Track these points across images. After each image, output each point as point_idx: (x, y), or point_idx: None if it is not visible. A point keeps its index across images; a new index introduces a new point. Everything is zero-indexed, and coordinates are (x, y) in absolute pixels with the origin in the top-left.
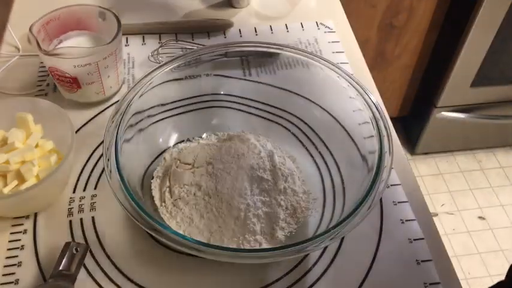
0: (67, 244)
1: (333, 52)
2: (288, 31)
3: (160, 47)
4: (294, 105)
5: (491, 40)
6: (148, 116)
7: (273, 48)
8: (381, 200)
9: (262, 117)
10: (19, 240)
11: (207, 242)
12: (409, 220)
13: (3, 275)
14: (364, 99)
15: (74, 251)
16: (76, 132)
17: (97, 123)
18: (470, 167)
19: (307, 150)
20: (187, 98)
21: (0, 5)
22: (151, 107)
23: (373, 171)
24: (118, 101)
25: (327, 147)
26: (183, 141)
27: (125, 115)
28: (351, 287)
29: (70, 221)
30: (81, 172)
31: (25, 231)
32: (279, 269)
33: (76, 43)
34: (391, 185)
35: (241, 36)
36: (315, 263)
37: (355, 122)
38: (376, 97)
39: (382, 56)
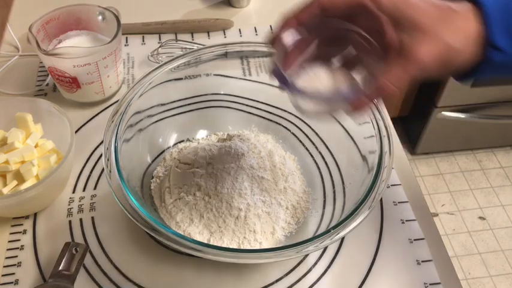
0: (67, 244)
1: None
2: None
3: (160, 46)
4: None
5: None
6: (148, 116)
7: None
8: (381, 200)
9: (262, 117)
10: (19, 240)
11: (207, 242)
12: (409, 220)
13: (3, 275)
14: None
15: (74, 251)
16: (76, 132)
17: (97, 123)
18: (471, 167)
19: (307, 150)
20: (187, 98)
21: (0, 5)
22: (151, 107)
23: (373, 171)
24: (118, 101)
25: (327, 147)
26: (183, 141)
27: (124, 115)
28: (351, 287)
29: (70, 221)
30: (81, 172)
31: (25, 231)
32: (279, 269)
33: (76, 43)
34: (391, 185)
35: (241, 36)
36: (315, 263)
37: (355, 122)
38: None
39: None
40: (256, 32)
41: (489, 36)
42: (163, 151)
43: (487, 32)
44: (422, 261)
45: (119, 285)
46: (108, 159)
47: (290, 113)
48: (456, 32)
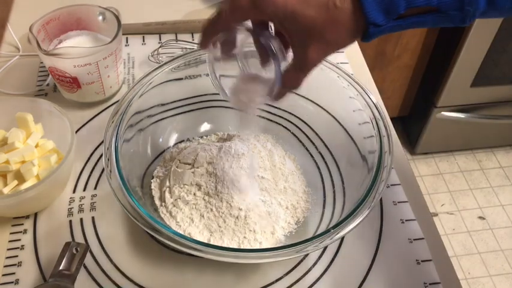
0: (67, 244)
1: None
2: None
3: (160, 47)
4: (294, 105)
5: (491, 40)
6: (148, 116)
7: None
8: (381, 200)
9: (262, 117)
10: (19, 240)
11: (207, 242)
12: (409, 220)
13: (3, 275)
14: (364, 99)
15: (74, 251)
16: (76, 132)
17: (97, 123)
18: (470, 167)
19: (307, 150)
20: (187, 98)
21: (0, 4)
22: (151, 107)
23: (373, 171)
24: (118, 101)
25: (327, 147)
26: (183, 141)
27: (124, 115)
28: (351, 287)
29: (70, 221)
30: (81, 172)
31: (25, 231)
32: (279, 269)
33: (76, 43)
34: (391, 185)
35: None
36: (315, 263)
37: (355, 122)
38: (376, 97)
39: (382, 56)
40: None
41: (367, 18)
42: (164, 151)
43: (365, 14)
44: (422, 261)
45: (119, 285)
46: (108, 159)
47: (290, 113)
48: (339, 30)
